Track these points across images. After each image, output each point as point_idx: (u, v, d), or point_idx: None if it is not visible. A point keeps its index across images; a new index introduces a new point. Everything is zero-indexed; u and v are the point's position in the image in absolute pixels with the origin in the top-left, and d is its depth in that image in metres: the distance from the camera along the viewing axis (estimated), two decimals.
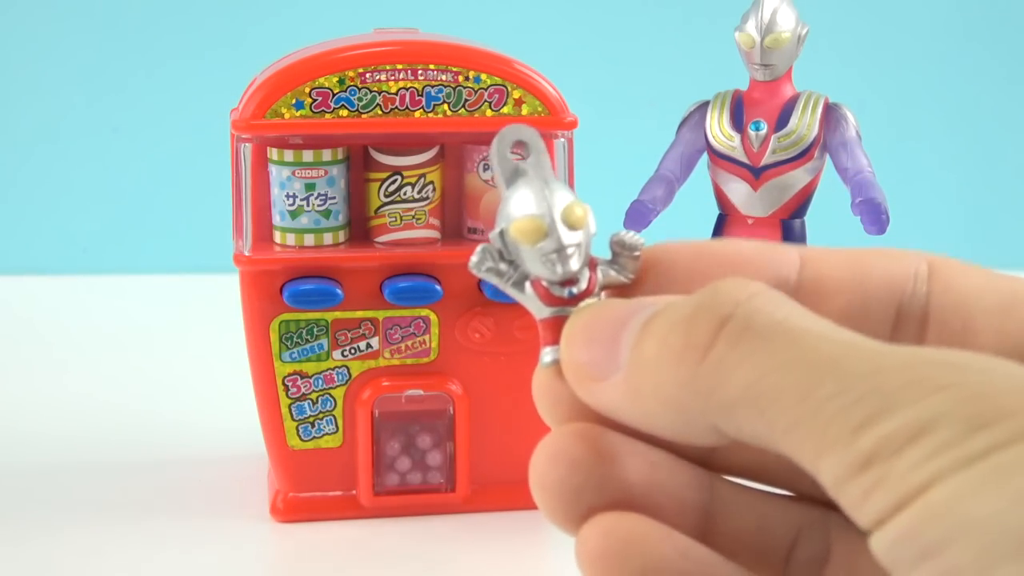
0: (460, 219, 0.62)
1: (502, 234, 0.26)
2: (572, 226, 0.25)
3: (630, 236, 0.26)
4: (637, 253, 0.26)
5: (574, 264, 0.25)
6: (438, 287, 0.60)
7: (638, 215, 0.61)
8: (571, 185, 0.62)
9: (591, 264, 0.26)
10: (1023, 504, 0.17)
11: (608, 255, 0.27)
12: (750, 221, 0.62)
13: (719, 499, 0.26)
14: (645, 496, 0.25)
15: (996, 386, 0.19)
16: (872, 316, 0.25)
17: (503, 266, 0.26)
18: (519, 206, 0.25)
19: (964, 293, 0.26)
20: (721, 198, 0.62)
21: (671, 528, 0.24)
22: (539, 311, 0.26)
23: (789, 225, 0.61)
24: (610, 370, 0.24)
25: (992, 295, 0.25)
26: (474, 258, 0.26)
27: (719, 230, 0.63)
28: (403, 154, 0.60)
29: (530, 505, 0.66)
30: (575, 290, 0.26)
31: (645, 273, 0.26)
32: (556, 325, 0.26)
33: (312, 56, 0.59)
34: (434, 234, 0.61)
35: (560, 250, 0.25)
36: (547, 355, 0.26)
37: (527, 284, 0.26)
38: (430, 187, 0.61)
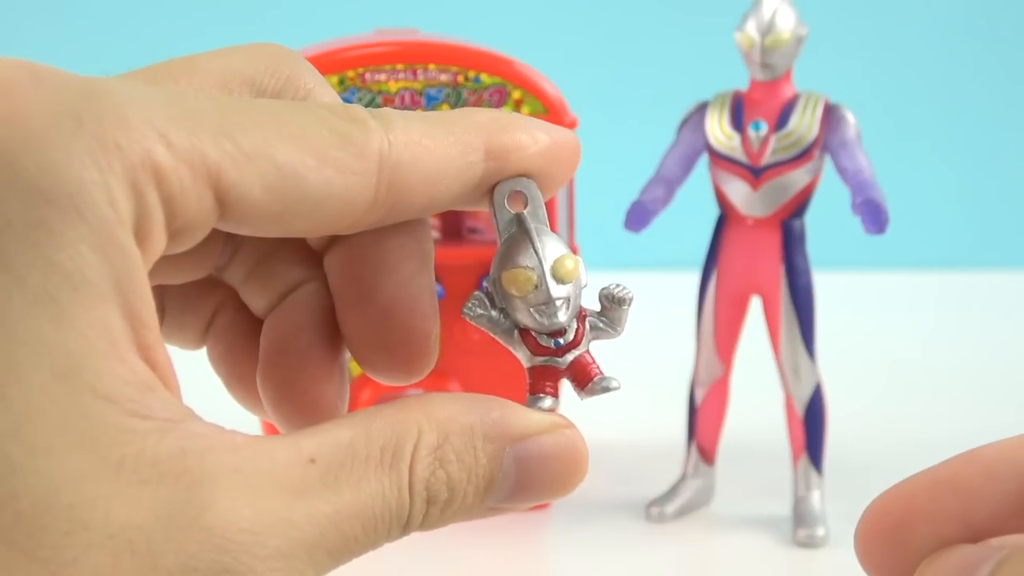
0: (460, 219, 0.62)
1: (494, 282, 0.26)
2: (561, 280, 0.26)
3: (619, 290, 0.27)
4: (625, 306, 0.27)
5: (561, 317, 0.26)
6: (438, 287, 0.60)
7: (639, 215, 0.61)
8: (571, 186, 0.62)
9: (580, 316, 0.26)
10: None
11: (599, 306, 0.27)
12: (750, 221, 0.62)
13: None
14: None
15: None
16: None
17: (494, 313, 0.27)
18: (512, 256, 0.26)
19: None
20: (721, 198, 0.62)
21: None
22: (527, 360, 0.27)
23: (789, 225, 0.61)
24: None
25: None
26: (467, 305, 0.27)
27: (719, 230, 0.63)
28: None
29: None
30: (562, 341, 0.26)
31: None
32: (543, 374, 0.26)
33: (312, 56, 0.59)
34: (434, 234, 0.61)
35: (548, 303, 0.26)
36: (532, 402, 0.26)
37: (515, 332, 0.27)
38: None
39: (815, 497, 0.62)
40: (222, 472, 0.21)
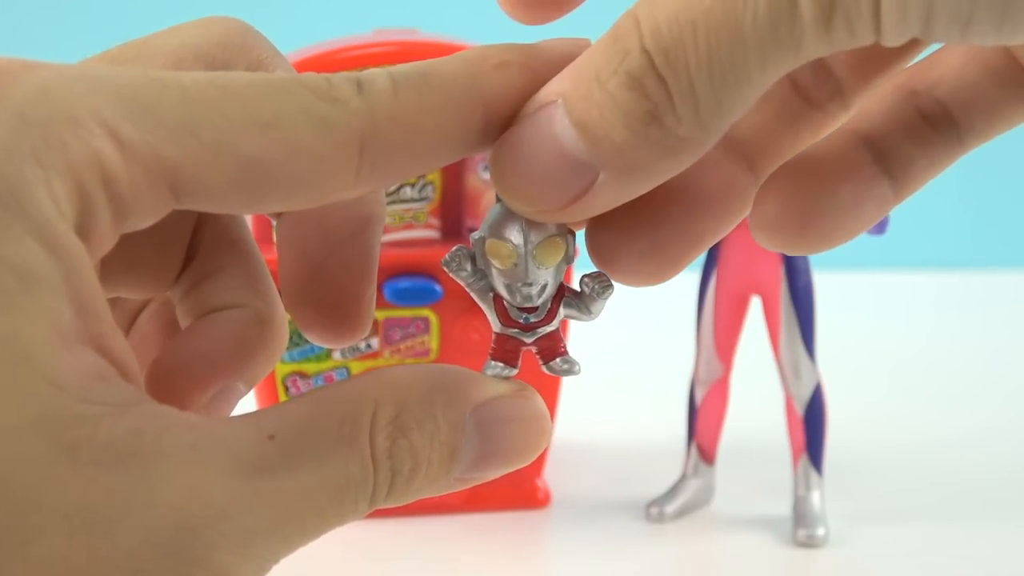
0: (460, 219, 0.62)
1: (480, 243, 0.26)
2: (542, 263, 0.25)
3: (600, 280, 0.26)
4: (604, 297, 0.26)
5: (535, 298, 0.26)
6: (438, 287, 0.60)
7: None
8: None
9: (558, 294, 0.26)
10: None
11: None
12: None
13: None
14: None
15: None
16: None
17: (472, 270, 0.26)
18: (501, 225, 0.25)
19: None
20: None
21: None
22: (495, 325, 0.27)
23: None
24: (577, 185, 0.23)
25: None
26: (448, 256, 0.26)
27: None
28: None
29: (530, 505, 0.67)
30: (533, 318, 0.26)
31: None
32: (507, 343, 0.26)
33: (312, 56, 0.59)
34: (434, 234, 0.61)
35: (525, 284, 0.26)
36: (490, 368, 0.26)
37: (490, 295, 0.26)
38: (430, 187, 0.61)
39: (815, 497, 0.62)
40: (180, 450, 0.21)
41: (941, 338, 0.99)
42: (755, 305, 0.63)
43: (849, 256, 1.02)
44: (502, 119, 0.24)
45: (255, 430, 0.22)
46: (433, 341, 0.61)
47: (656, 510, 0.63)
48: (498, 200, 0.26)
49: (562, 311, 0.26)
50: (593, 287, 0.26)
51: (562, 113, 0.23)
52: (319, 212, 0.27)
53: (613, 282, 0.26)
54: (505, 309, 0.26)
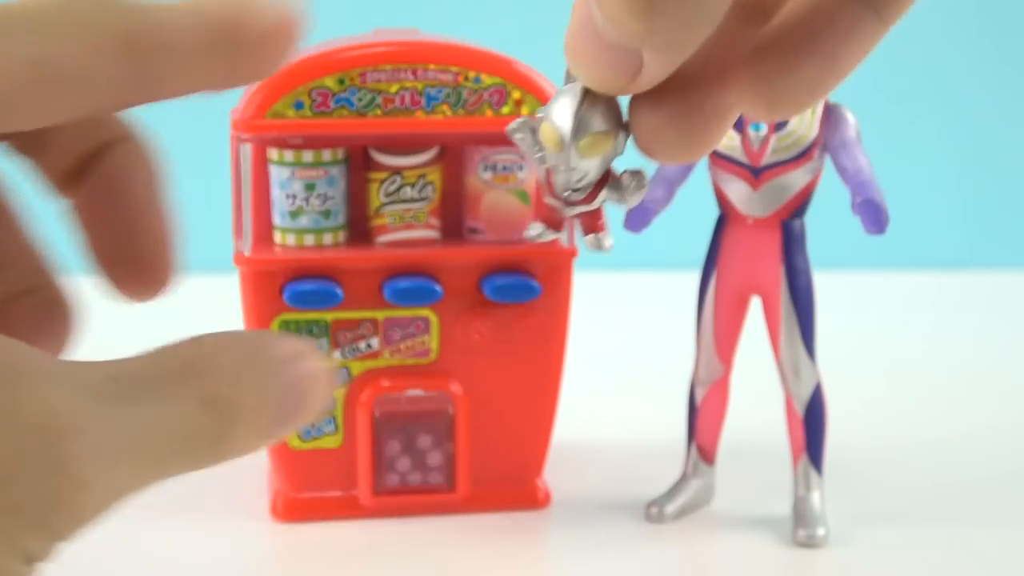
0: (460, 219, 0.62)
1: (539, 120, 0.27)
2: (585, 155, 0.27)
3: (637, 177, 0.28)
4: (640, 192, 0.28)
5: (576, 183, 0.27)
6: (438, 287, 0.60)
7: (639, 215, 0.61)
8: None
9: (604, 178, 0.28)
10: None
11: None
12: (750, 221, 0.62)
13: None
14: None
15: None
16: None
17: (533, 141, 0.28)
18: (556, 112, 0.27)
19: None
20: (721, 198, 0.62)
21: None
22: (543, 193, 0.28)
23: (789, 225, 0.61)
24: (631, 65, 0.24)
25: None
26: (515, 123, 0.28)
27: (719, 230, 0.63)
28: (403, 154, 0.60)
29: (530, 505, 0.67)
30: (575, 197, 0.28)
31: None
32: (549, 211, 0.29)
33: (312, 56, 0.59)
34: (434, 234, 0.61)
35: (568, 170, 0.27)
36: (533, 228, 0.29)
37: (544, 167, 0.28)
38: (430, 187, 0.61)
39: (815, 497, 0.62)
40: (37, 373, 0.22)
41: (941, 338, 0.99)
42: (755, 305, 0.63)
43: (849, 256, 1.02)
44: (255, 38, 0.26)
45: (100, 372, 0.23)
46: (433, 341, 0.61)
47: (656, 510, 0.63)
48: (566, 80, 0.27)
49: (603, 195, 0.28)
50: (631, 183, 0.28)
51: (596, 8, 0.24)
52: (109, 182, 0.30)
53: (647, 183, 0.28)
54: (551, 184, 0.28)
